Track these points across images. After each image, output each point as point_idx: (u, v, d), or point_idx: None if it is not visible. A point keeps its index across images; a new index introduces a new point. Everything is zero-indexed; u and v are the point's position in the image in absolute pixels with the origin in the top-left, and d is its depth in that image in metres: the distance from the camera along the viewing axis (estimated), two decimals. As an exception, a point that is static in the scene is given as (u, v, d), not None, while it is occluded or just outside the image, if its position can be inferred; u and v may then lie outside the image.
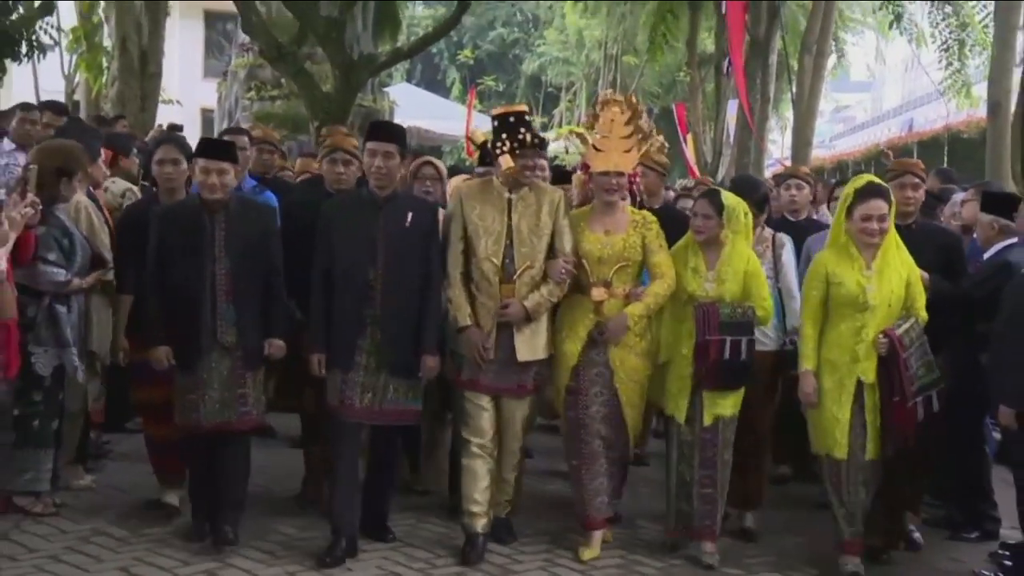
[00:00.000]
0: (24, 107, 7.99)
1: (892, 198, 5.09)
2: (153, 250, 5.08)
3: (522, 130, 5.14)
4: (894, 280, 5.02)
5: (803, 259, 5.97)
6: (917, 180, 5.69)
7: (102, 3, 15.61)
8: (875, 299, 4.97)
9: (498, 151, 5.20)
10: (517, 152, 5.13)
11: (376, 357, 4.99)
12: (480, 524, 5.09)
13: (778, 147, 33.20)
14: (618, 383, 5.15)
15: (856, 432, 5.03)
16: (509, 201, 5.14)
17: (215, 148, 5.20)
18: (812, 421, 5.19)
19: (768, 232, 5.90)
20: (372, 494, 5.23)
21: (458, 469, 5.27)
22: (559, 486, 6.15)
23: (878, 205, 4.97)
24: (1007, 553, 5.37)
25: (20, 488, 5.46)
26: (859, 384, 5.01)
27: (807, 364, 5.10)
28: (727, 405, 5.19)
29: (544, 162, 5.39)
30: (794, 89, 16.11)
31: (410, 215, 5.07)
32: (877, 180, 5.26)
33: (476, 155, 6.51)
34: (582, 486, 5.22)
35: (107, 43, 15.70)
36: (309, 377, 5.13)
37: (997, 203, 5.91)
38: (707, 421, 5.16)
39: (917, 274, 5.12)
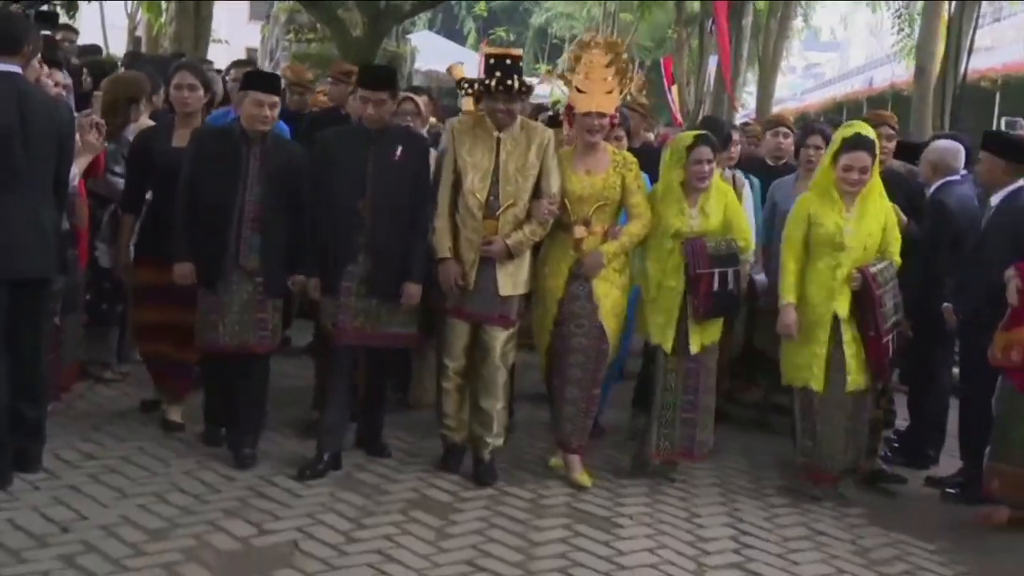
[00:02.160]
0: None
1: (877, 151, 4.86)
2: (187, 168, 4.75)
3: (497, 73, 4.71)
4: (872, 224, 4.82)
5: (768, 203, 5.86)
6: (891, 131, 5.57)
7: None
8: (852, 240, 4.77)
9: (463, 92, 4.96)
10: (483, 95, 4.77)
11: (367, 283, 4.70)
12: (457, 437, 4.92)
13: (754, 99, 32.97)
14: (602, 316, 4.85)
15: (834, 366, 4.81)
16: (498, 140, 4.77)
17: (266, 81, 4.87)
18: (787, 355, 4.96)
19: (729, 173, 5.74)
20: (367, 413, 5.03)
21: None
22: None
23: (861, 157, 4.75)
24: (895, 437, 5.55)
25: (92, 358, 5.77)
26: (835, 320, 4.80)
27: (789, 298, 4.86)
28: (712, 332, 4.97)
29: (518, 107, 4.91)
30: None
31: (399, 148, 4.75)
32: (865, 131, 4.92)
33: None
34: (561, 411, 4.94)
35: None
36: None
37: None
38: (695, 349, 4.91)
39: (894, 220, 4.92)
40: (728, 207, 4.98)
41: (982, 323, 4.88)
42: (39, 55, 4.77)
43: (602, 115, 4.85)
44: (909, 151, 6.03)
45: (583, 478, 4.86)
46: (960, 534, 4.68)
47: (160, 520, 4.10)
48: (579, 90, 4.92)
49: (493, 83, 4.70)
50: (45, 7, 9.47)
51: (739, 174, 5.89)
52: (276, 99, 4.78)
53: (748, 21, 16.52)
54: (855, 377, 4.79)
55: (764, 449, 5.70)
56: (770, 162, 6.47)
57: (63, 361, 5.36)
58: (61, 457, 4.64)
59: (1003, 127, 6.92)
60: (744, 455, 5.60)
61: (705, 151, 4.85)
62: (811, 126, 6.93)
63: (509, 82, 4.69)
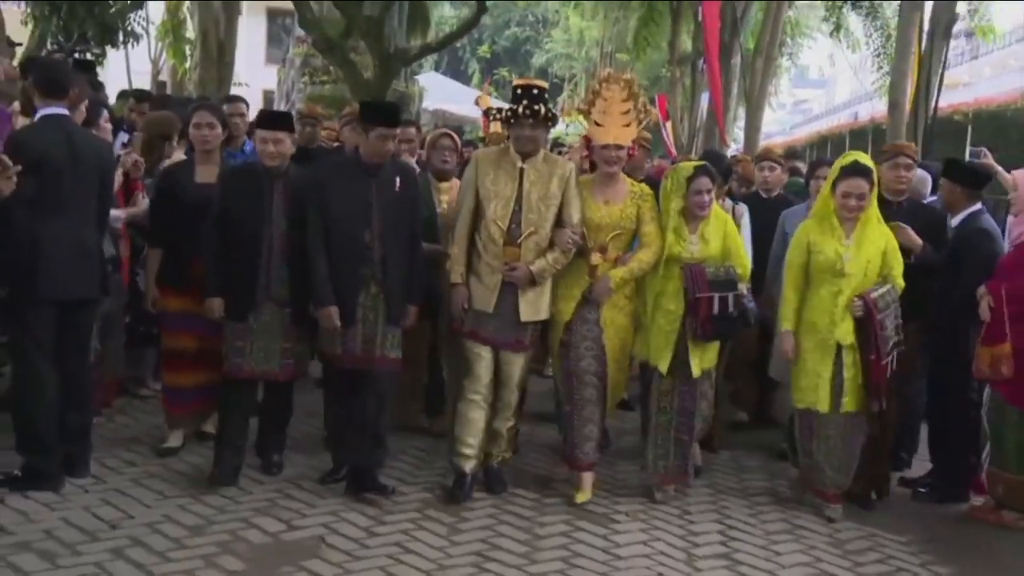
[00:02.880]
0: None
1: (875, 178, 4.79)
2: (216, 206, 4.75)
3: (525, 101, 4.72)
4: (871, 251, 4.75)
5: (779, 231, 5.79)
6: (909, 161, 5.31)
7: (187, 3, 15.84)
8: (851, 267, 4.70)
9: (492, 118, 5.03)
10: (511, 122, 4.76)
11: (374, 310, 4.66)
12: (469, 466, 4.78)
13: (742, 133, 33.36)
14: (606, 340, 4.84)
15: (834, 389, 4.76)
16: (522, 170, 4.74)
17: (273, 119, 4.88)
18: (794, 378, 4.91)
19: (728, 203, 5.72)
20: (370, 424, 4.77)
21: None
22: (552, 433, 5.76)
23: (858, 184, 4.70)
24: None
25: (131, 376, 6.01)
26: (838, 344, 4.74)
27: (787, 325, 4.84)
28: (709, 357, 4.94)
29: (541, 134, 4.90)
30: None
31: (398, 181, 4.73)
32: (863, 160, 4.90)
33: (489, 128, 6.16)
34: (574, 431, 4.88)
35: (190, 35, 15.90)
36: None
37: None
38: (696, 373, 4.86)
39: (895, 245, 4.81)
40: (727, 235, 4.95)
41: (954, 335, 5.07)
42: (87, 100, 5.08)
43: (620, 147, 4.84)
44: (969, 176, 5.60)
45: (585, 495, 4.84)
46: (929, 528, 4.85)
47: (198, 518, 4.33)
48: (597, 123, 4.91)
49: (520, 109, 4.71)
50: (79, 55, 9.79)
51: (739, 205, 5.91)
52: (280, 135, 4.74)
53: (736, 60, 16.85)
54: (849, 399, 4.77)
55: (749, 452, 5.90)
56: (763, 194, 6.46)
57: (104, 378, 5.61)
58: (106, 464, 4.88)
59: (968, 156, 7.13)
60: (732, 458, 5.79)
61: (705, 181, 4.85)
62: (820, 159, 7.04)
63: (536, 107, 4.71)
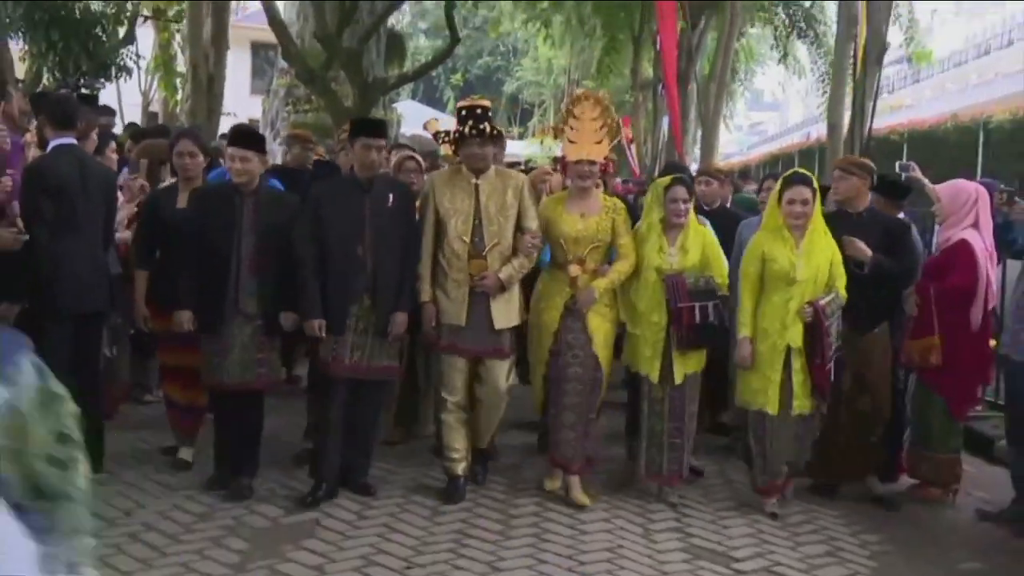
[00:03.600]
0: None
1: (815, 187, 4.86)
2: (188, 225, 4.76)
3: (470, 122, 4.74)
4: (820, 259, 4.80)
5: (737, 241, 5.73)
6: (855, 169, 5.28)
7: (177, 37, 16.05)
8: (803, 275, 4.74)
9: (442, 140, 4.97)
10: (459, 141, 4.79)
11: (365, 320, 4.67)
12: (459, 468, 4.86)
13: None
14: (596, 348, 4.85)
15: (784, 391, 4.81)
16: (476, 186, 4.78)
17: (241, 137, 4.84)
18: (744, 380, 4.94)
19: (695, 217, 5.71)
20: (357, 448, 4.87)
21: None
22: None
23: (800, 191, 4.78)
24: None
25: (136, 383, 6.25)
26: (788, 349, 4.79)
27: (744, 331, 4.85)
28: (694, 363, 4.95)
29: (490, 151, 4.88)
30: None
31: (391, 196, 4.75)
32: (802, 171, 5.11)
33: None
34: (559, 436, 4.89)
35: (180, 68, 16.15)
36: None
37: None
38: (679, 379, 4.89)
39: (839, 258, 4.86)
40: (706, 245, 4.98)
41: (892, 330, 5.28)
42: (95, 130, 5.36)
43: (592, 162, 4.88)
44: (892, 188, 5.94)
45: (583, 497, 4.85)
46: (861, 506, 5.15)
47: (203, 507, 4.60)
48: (571, 141, 4.95)
49: (467, 129, 4.73)
50: (84, 90, 10.04)
51: (701, 217, 5.57)
52: (248, 153, 4.67)
53: (693, 87, 17.34)
54: (801, 402, 4.81)
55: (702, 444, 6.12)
56: (705, 207, 6.46)
57: (112, 385, 5.85)
58: (118, 461, 5.12)
59: (897, 169, 7.50)
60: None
61: (681, 191, 4.90)
62: (770, 175, 7.26)
63: (481, 127, 4.73)
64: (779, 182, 5.00)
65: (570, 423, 4.89)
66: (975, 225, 5.19)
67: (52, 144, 4.89)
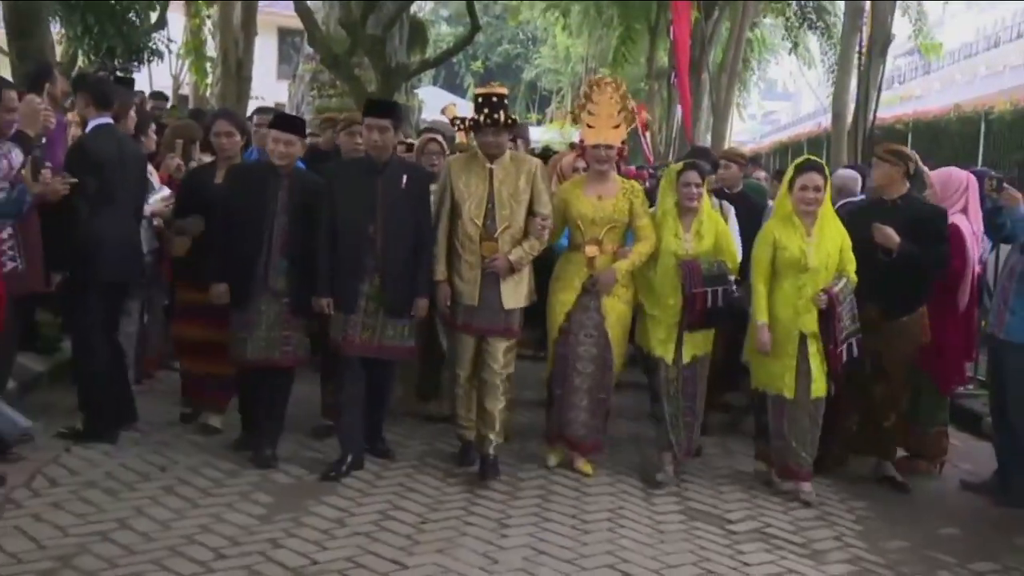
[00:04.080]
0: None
1: (827, 174, 4.86)
2: (224, 201, 4.81)
3: (486, 110, 4.71)
4: (830, 246, 4.78)
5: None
6: (892, 157, 5.13)
7: (208, 23, 16.23)
8: (814, 261, 4.73)
9: (458, 127, 4.98)
10: (476, 129, 4.78)
11: (376, 300, 4.66)
12: (470, 435, 4.95)
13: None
14: (608, 327, 4.87)
15: (800, 375, 4.78)
16: (491, 171, 4.77)
17: (286, 122, 4.95)
18: (761, 365, 4.92)
19: (715, 200, 5.61)
20: (370, 415, 4.93)
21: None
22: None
23: (813, 177, 4.75)
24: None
25: (168, 351, 6.44)
26: (801, 334, 4.78)
27: (762, 317, 4.80)
28: (702, 344, 4.96)
29: (504, 138, 4.86)
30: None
31: (405, 178, 4.73)
32: (813, 158, 5.10)
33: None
34: (563, 412, 4.95)
35: (210, 53, 16.34)
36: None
37: None
38: (687, 359, 4.91)
39: (848, 243, 4.83)
40: (719, 232, 4.97)
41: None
42: (132, 110, 5.54)
43: (609, 147, 4.91)
44: None
45: (587, 466, 4.97)
46: (851, 477, 5.29)
47: (233, 464, 4.81)
48: (589, 125, 4.96)
49: (482, 118, 4.72)
50: (120, 73, 10.24)
51: (725, 203, 5.81)
52: (292, 137, 4.77)
53: (706, 76, 17.38)
54: (818, 385, 4.80)
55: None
56: (726, 191, 6.29)
57: (146, 353, 6.09)
58: (151, 422, 5.32)
59: None
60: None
61: (693, 175, 4.90)
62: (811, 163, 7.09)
63: (496, 116, 4.71)
64: (790, 169, 4.97)
65: (579, 403, 4.93)
66: (964, 211, 5.32)
67: (92, 124, 5.08)
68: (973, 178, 5.47)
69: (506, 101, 4.88)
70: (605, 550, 4.12)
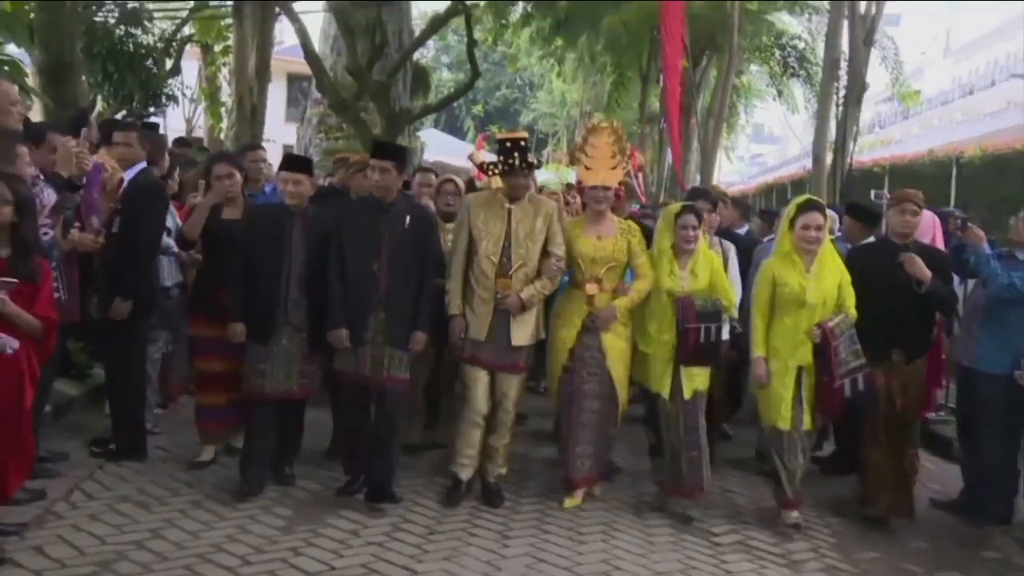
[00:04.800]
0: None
1: (827, 213, 4.88)
2: (243, 242, 4.84)
3: (516, 154, 4.79)
4: (829, 282, 4.78)
5: (753, 265, 5.76)
6: (915, 207, 5.11)
7: (224, 70, 16.62)
8: (813, 297, 4.72)
9: (491, 172, 5.00)
10: (507, 173, 4.84)
11: (382, 333, 4.67)
12: (466, 474, 4.90)
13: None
14: (610, 364, 4.87)
15: (796, 408, 4.80)
16: (509, 211, 4.83)
17: (294, 163, 5.00)
18: (761, 398, 4.94)
19: (716, 239, 5.70)
20: (380, 454, 4.77)
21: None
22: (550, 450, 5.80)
23: (814, 217, 4.76)
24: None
25: (190, 377, 6.62)
26: (799, 368, 4.78)
27: (759, 351, 4.84)
28: (701, 380, 4.92)
29: (530, 181, 4.94)
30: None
31: (408, 218, 4.74)
32: (815, 197, 5.14)
33: (483, 177, 6.07)
34: (570, 450, 4.93)
35: (224, 99, 16.73)
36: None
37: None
38: (687, 395, 4.87)
39: (848, 279, 4.84)
40: (714, 271, 4.97)
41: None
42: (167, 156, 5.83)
43: (607, 188, 4.94)
44: (865, 214, 6.17)
45: (571, 500, 4.92)
46: (830, 497, 5.50)
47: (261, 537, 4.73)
48: (587, 167, 4.99)
49: (517, 162, 4.78)
50: (145, 118, 10.56)
51: (726, 242, 5.84)
52: (300, 177, 4.81)
53: (694, 121, 17.82)
54: (808, 418, 4.83)
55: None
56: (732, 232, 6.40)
57: (170, 379, 6.30)
58: (178, 443, 5.56)
59: (872, 198, 7.90)
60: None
61: (690, 218, 4.91)
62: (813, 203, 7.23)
63: (529, 159, 4.82)
64: (792, 208, 4.95)
65: (585, 439, 4.92)
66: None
67: (136, 168, 5.25)
68: (937, 218, 5.76)
69: (529, 145, 4.97)
70: (600, 559, 4.35)
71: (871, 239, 5.80)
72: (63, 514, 4.36)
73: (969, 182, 10.00)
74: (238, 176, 5.31)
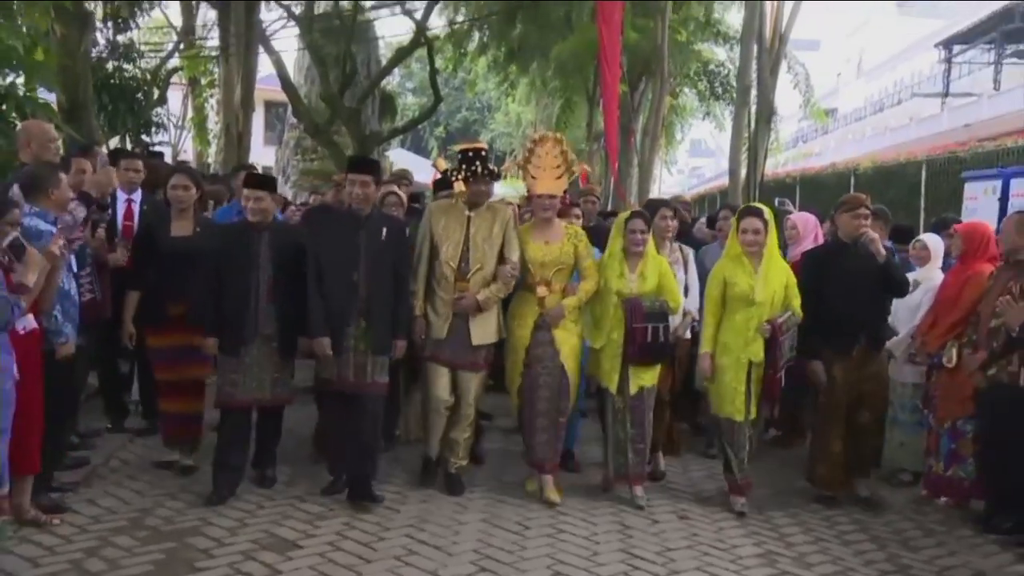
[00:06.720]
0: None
1: (767, 217, 4.83)
2: (212, 259, 4.65)
3: (477, 163, 4.77)
4: (775, 282, 4.78)
5: (699, 267, 5.74)
6: (867, 211, 5.14)
7: (211, 101, 17.07)
8: (761, 296, 4.74)
9: (454, 178, 4.88)
10: (469, 179, 4.78)
11: (363, 341, 4.59)
12: (434, 453, 4.96)
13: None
14: (563, 359, 4.83)
15: (746, 400, 4.82)
16: (468, 218, 4.80)
17: (255, 180, 4.81)
18: (712, 391, 4.93)
19: (677, 245, 5.68)
20: (362, 455, 4.70)
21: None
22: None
23: (752, 221, 4.78)
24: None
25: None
26: (749, 362, 4.79)
27: (706, 347, 4.86)
28: (648, 377, 4.90)
29: (491, 188, 4.94)
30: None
31: (385, 230, 4.65)
32: (755, 204, 5.29)
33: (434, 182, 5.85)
34: (532, 438, 4.90)
35: (211, 126, 17.16)
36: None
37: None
38: (633, 391, 4.85)
39: (794, 280, 4.87)
40: (662, 274, 4.92)
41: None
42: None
43: (552, 196, 4.89)
44: (903, 234, 6.36)
45: (554, 496, 4.86)
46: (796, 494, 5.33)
47: (267, 489, 4.87)
48: (533, 177, 4.92)
49: (480, 169, 4.75)
50: (150, 147, 11.01)
51: (687, 248, 5.81)
52: (261, 194, 4.64)
53: (633, 139, 18.58)
54: (755, 408, 4.87)
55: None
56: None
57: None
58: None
59: (775, 204, 8.43)
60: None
61: (639, 223, 4.89)
62: (725, 205, 7.53)
63: (490, 167, 4.81)
64: (736, 214, 5.00)
65: (542, 427, 4.88)
66: (815, 243, 6.22)
67: (138, 193, 5.66)
68: (817, 220, 6.51)
69: (488, 155, 4.96)
70: (549, 549, 4.27)
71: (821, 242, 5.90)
72: (105, 476, 4.90)
73: (862, 189, 10.89)
74: (193, 191, 5.02)
